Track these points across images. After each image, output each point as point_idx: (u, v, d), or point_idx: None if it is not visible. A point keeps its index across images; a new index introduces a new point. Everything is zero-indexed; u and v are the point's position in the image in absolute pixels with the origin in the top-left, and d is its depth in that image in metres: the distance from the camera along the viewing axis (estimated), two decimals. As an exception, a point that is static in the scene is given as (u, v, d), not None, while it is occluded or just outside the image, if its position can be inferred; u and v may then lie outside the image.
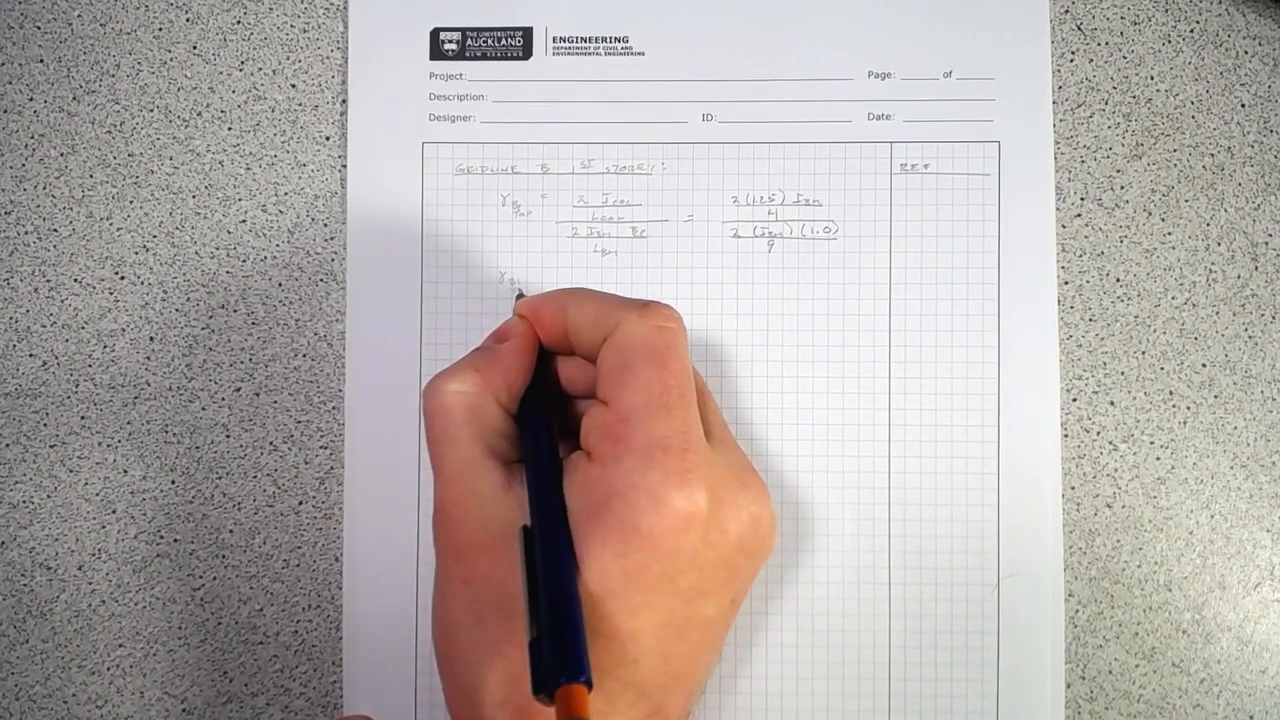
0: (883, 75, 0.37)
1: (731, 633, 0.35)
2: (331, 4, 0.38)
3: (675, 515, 0.26)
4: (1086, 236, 0.37)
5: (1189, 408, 0.36)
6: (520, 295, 0.35)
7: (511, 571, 0.27)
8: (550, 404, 0.32)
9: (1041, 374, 0.36)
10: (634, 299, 0.30)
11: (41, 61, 0.38)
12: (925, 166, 0.36)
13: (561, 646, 0.25)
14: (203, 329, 0.37)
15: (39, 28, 0.38)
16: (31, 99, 0.37)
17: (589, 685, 0.24)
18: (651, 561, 0.26)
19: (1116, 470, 0.36)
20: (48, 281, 0.37)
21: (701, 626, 0.28)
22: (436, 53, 0.37)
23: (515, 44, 0.37)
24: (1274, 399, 0.36)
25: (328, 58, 0.38)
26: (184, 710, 0.36)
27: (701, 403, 0.29)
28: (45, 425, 0.37)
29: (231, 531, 0.36)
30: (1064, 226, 0.37)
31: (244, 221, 0.37)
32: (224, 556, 0.36)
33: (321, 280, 0.37)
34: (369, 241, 0.37)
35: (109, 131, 0.37)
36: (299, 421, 0.37)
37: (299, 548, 0.36)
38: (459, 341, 0.36)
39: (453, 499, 0.29)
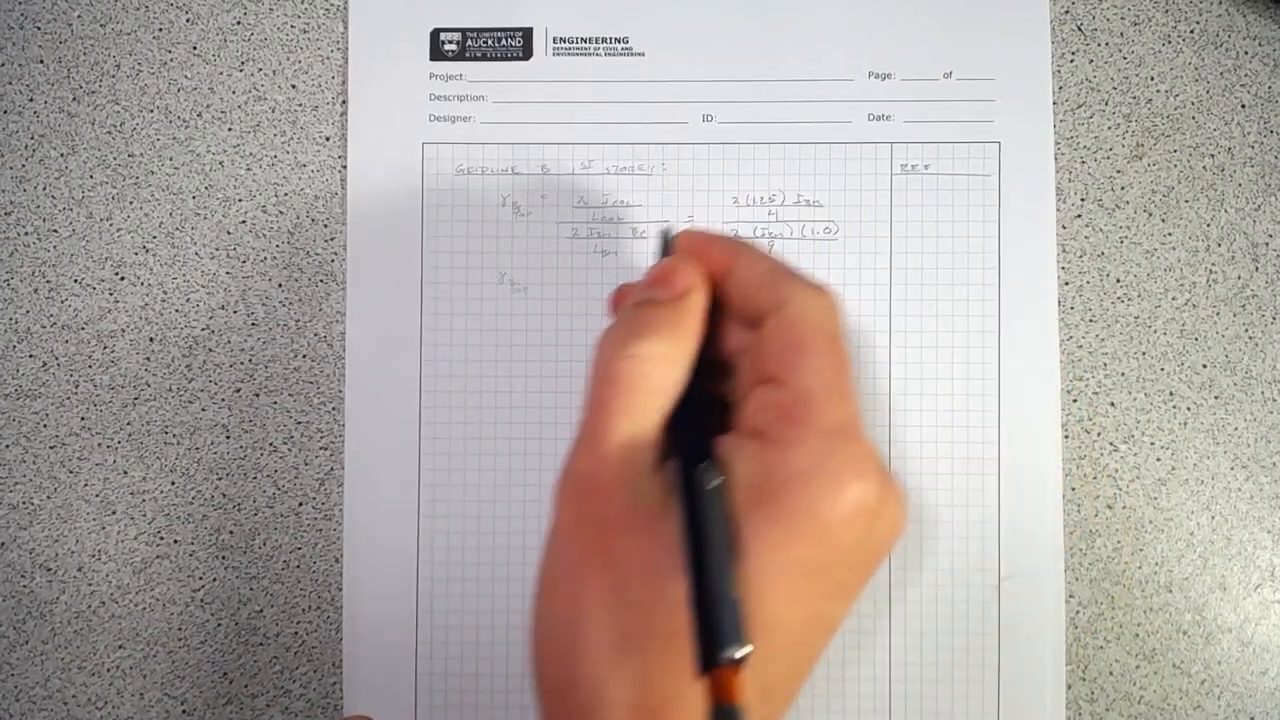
0: (883, 76, 0.37)
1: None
2: (331, 4, 0.38)
3: (850, 504, 0.25)
4: (1087, 237, 0.37)
5: (1189, 408, 0.36)
6: (666, 235, 0.31)
7: (660, 558, 0.25)
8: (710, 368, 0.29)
9: (1041, 375, 0.36)
10: (805, 276, 0.28)
11: (41, 62, 0.38)
12: (926, 167, 0.36)
13: (731, 620, 0.23)
14: (203, 329, 0.37)
15: (39, 28, 0.38)
16: (31, 99, 0.37)
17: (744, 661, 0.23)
18: (814, 551, 0.25)
19: (1117, 471, 0.36)
20: (48, 282, 0.37)
21: (828, 624, 0.27)
22: (436, 53, 0.37)
23: (515, 44, 0.37)
24: (1274, 400, 0.36)
25: (328, 58, 0.38)
26: (184, 711, 0.36)
27: None
28: (45, 426, 0.37)
29: (231, 533, 0.36)
30: (1064, 227, 0.37)
31: (244, 222, 0.37)
32: (224, 558, 0.36)
33: (321, 281, 0.37)
34: (369, 242, 0.37)
35: (109, 132, 0.37)
36: (299, 422, 0.37)
37: (299, 549, 0.36)
38: (459, 342, 0.36)
39: (609, 470, 0.26)
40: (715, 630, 0.23)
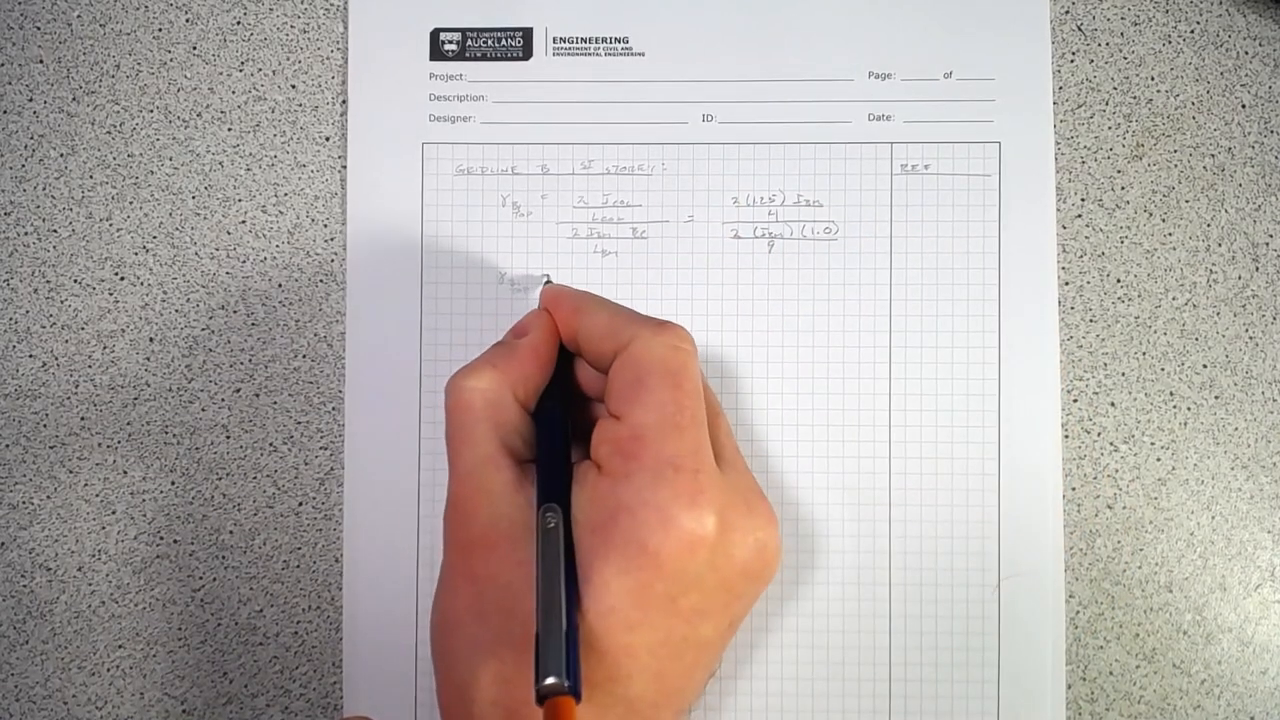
0: (883, 76, 0.37)
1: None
2: (331, 4, 0.38)
3: (683, 536, 0.26)
4: (1087, 237, 0.37)
5: (1189, 408, 0.36)
6: (548, 282, 0.35)
7: (516, 572, 0.27)
8: (568, 403, 0.32)
9: (1041, 374, 0.36)
10: (648, 316, 0.30)
11: (41, 62, 0.38)
12: (926, 167, 0.36)
13: (556, 653, 0.25)
14: (203, 330, 0.37)
15: (39, 28, 0.38)
16: (31, 99, 0.37)
17: (577, 697, 0.24)
18: (654, 580, 0.26)
19: (1117, 471, 0.36)
20: (48, 282, 0.37)
21: (698, 647, 0.28)
22: (436, 53, 0.37)
23: (515, 44, 0.37)
24: (1274, 399, 0.36)
25: (328, 58, 0.38)
26: (184, 711, 0.36)
27: (713, 424, 0.29)
28: (45, 426, 0.37)
29: (231, 532, 0.36)
30: (1064, 227, 0.37)
31: (244, 222, 0.37)
32: (224, 557, 0.36)
33: (321, 281, 0.37)
34: (369, 242, 0.37)
35: (109, 132, 0.37)
36: (299, 422, 0.37)
37: (299, 548, 0.36)
38: (459, 342, 0.36)
39: (465, 495, 0.29)
40: (538, 662, 0.25)
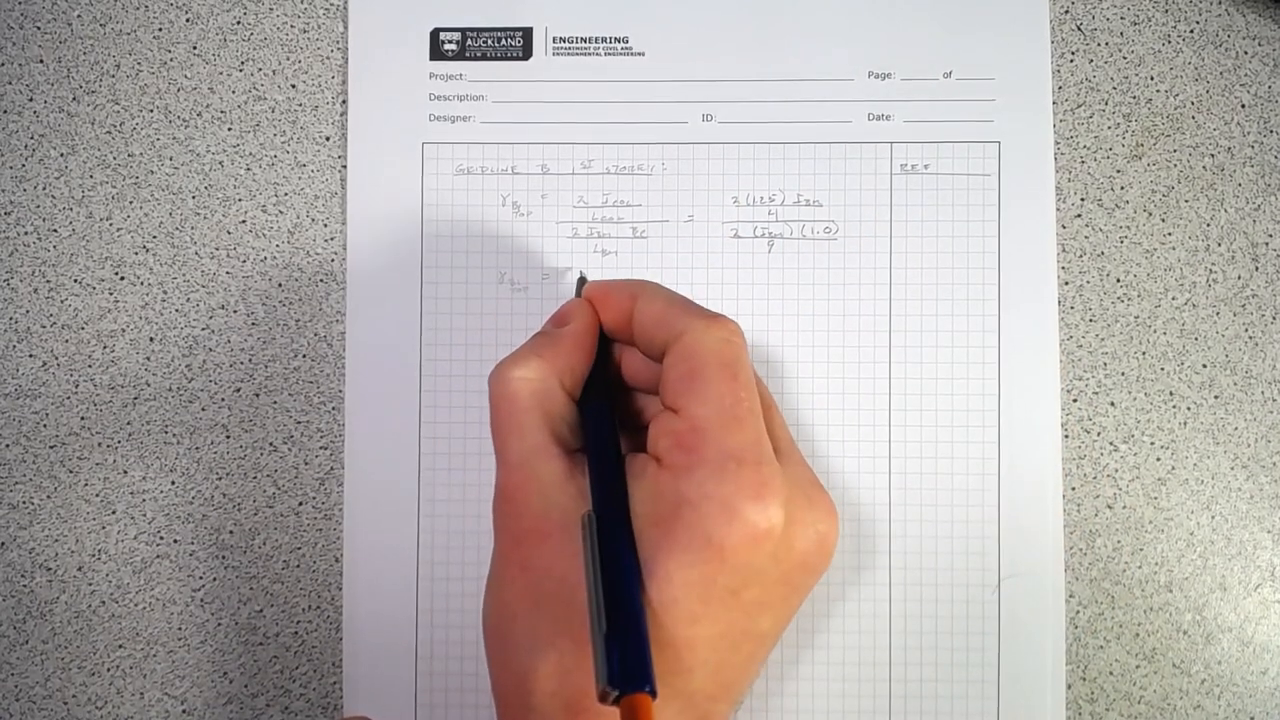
0: (883, 75, 0.37)
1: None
2: (331, 4, 0.38)
3: (748, 529, 0.26)
4: (1086, 236, 0.37)
5: (1189, 408, 0.36)
6: (582, 280, 0.35)
7: (571, 562, 0.27)
8: (612, 390, 0.32)
9: (1041, 374, 0.36)
10: (701, 307, 0.30)
11: (41, 61, 0.38)
12: (925, 167, 0.36)
13: (631, 652, 0.24)
14: (203, 329, 0.37)
15: (39, 28, 0.38)
16: (31, 99, 0.37)
17: (654, 695, 0.24)
18: (718, 573, 0.26)
19: (1117, 471, 0.36)
20: (48, 281, 0.37)
21: (756, 639, 0.28)
22: (436, 53, 0.37)
23: (515, 44, 0.37)
24: (1274, 399, 0.36)
25: (328, 58, 0.38)
26: (184, 711, 0.36)
27: (769, 417, 0.29)
28: (45, 425, 0.37)
29: (231, 532, 0.36)
30: (1064, 226, 0.37)
31: (244, 222, 0.37)
32: (224, 557, 0.36)
33: (321, 280, 0.37)
34: (369, 242, 0.37)
35: (109, 131, 0.37)
36: (299, 422, 0.37)
37: (299, 548, 0.36)
38: (459, 341, 0.36)
39: (515, 485, 0.29)
40: (599, 666, 0.24)
